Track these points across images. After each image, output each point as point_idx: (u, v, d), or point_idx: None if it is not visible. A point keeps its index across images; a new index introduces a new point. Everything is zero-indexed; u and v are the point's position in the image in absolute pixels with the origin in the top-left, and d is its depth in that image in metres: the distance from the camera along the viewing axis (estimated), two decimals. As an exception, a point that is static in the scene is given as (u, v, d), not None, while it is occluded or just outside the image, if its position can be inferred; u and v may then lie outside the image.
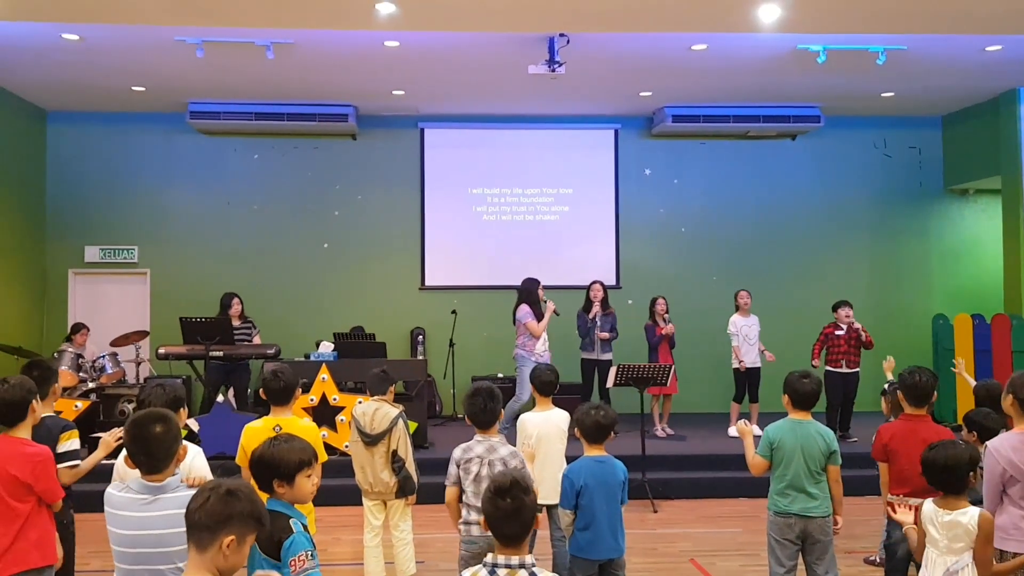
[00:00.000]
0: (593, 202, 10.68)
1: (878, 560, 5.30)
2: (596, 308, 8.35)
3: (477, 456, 3.78)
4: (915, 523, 3.28)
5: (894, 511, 3.59)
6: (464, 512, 3.79)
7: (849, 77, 8.75)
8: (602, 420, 3.80)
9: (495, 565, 2.25)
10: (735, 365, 8.49)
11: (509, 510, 2.25)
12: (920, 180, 10.87)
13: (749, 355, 8.46)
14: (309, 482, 2.71)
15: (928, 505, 3.17)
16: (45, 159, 10.19)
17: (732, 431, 8.49)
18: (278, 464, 2.66)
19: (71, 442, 3.82)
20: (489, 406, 3.84)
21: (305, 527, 2.66)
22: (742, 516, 6.69)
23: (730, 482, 7.27)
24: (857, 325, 8.06)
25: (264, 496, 2.70)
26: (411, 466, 4.69)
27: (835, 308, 8.19)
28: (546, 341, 7.82)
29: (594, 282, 8.55)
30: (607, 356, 8.37)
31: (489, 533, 3.61)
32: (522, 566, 2.23)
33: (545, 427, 4.55)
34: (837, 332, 8.10)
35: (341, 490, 6.49)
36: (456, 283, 10.46)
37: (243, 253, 10.33)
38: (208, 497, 2.08)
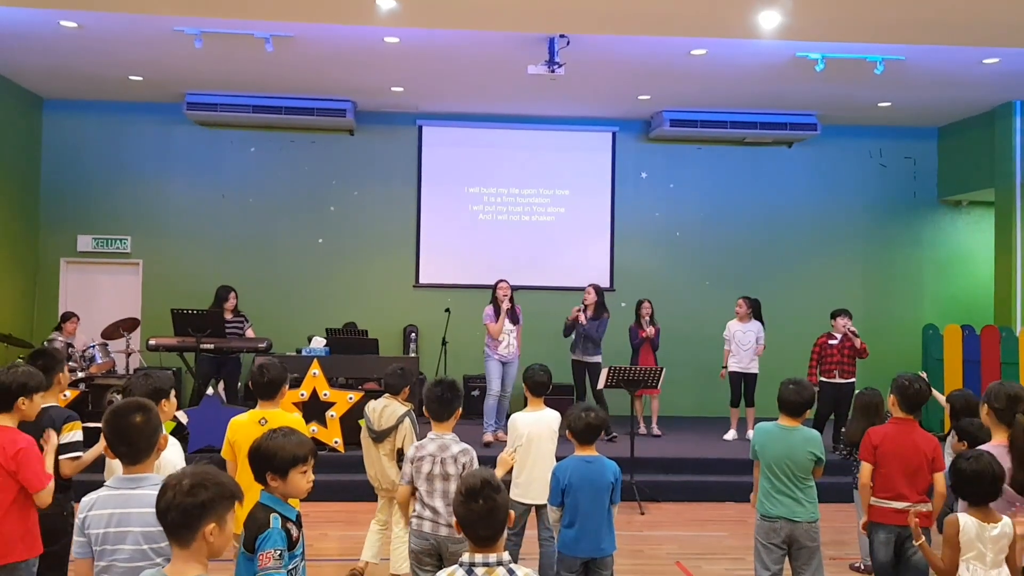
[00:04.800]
0: (589, 204, 10.69)
1: (863, 567, 5.32)
2: (579, 312, 8.31)
3: (429, 454, 3.73)
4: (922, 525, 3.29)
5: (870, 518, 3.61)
6: (418, 507, 3.76)
7: (847, 86, 8.79)
8: (593, 422, 3.83)
9: (472, 564, 2.23)
10: (716, 367, 8.59)
11: (483, 512, 2.22)
12: (914, 191, 10.92)
13: (740, 361, 8.47)
14: (304, 478, 2.69)
15: (969, 520, 3.12)
16: (40, 147, 10.14)
17: (729, 435, 8.51)
18: (272, 457, 2.65)
19: (73, 433, 3.73)
20: (447, 395, 3.79)
21: (294, 522, 2.65)
22: (729, 520, 6.70)
23: (717, 486, 7.29)
24: (852, 328, 7.92)
25: (258, 487, 2.70)
26: None
27: (833, 316, 8.07)
28: (511, 344, 7.97)
29: (589, 285, 8.59)
30: (596, 358, 8.41)
31: (442, 532, 3.63)
32: (500, 564, 2.22)
33: (536, 427, 4.55)
34: (831, 342, 7.98)
35: (330, 486, 6.49)
36: (450, 281, 10.46)
37: (237, 246, 10.30)
38: (173, 496, 2.07)
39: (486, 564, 2.22)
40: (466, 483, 2.28)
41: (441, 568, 3.68)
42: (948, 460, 4.08)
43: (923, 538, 3.39)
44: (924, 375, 5.74)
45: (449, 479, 3.68)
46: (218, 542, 2.11)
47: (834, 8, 7.01)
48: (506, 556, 2.25)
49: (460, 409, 3.87)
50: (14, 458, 3.21)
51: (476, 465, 3.74)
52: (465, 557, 2.25)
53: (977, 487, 3.12)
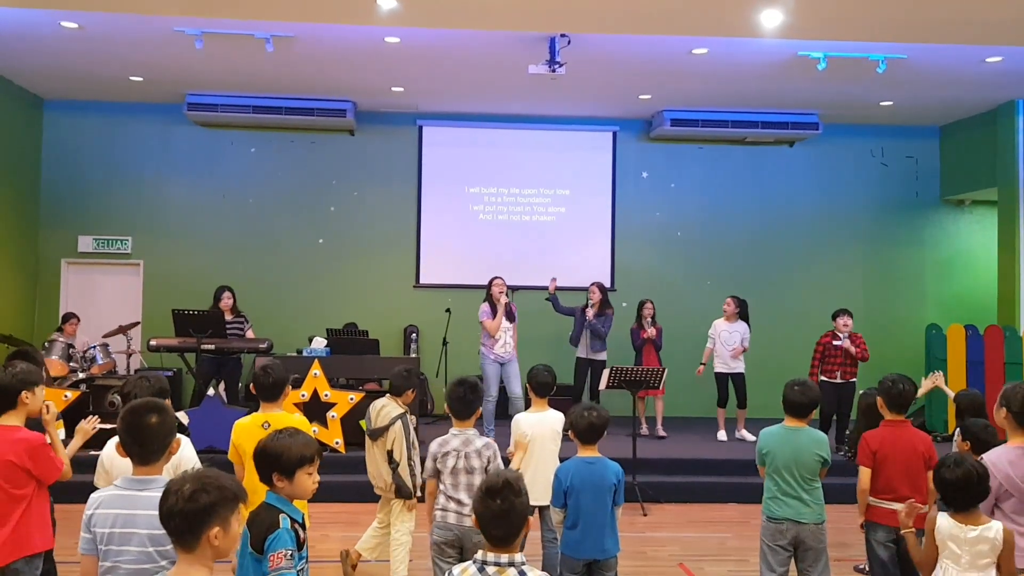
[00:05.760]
0: (590, 204, 10.67)
1: (866, 568, 5.29)
2: (589, 311, 8.40)
3: (453, 450, 3.89)
4: (914, 528, 3.27)
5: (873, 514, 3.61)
6: (442, 500, 3.89)
7: (849, 85, 8.76)
8: (596, 421, 3.83)
9: (484, 563, 2.25)
10: (710, 368, 8.58)
11: (498, 511, 2.25)
12: (916, 190, 10.89)
13: (725, 361, 8.44)
14: (310, 479, 2.68)
15: (945, 520, 3.10)
16: (41, 147, 10.13)
17: (720, 435, 8.51)
18: (278, 457, 2.64)
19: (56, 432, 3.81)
20: (469, 396, 3.96)
21: (300, 524, 2.64)
22: (732, 521, 6.68)
23: (720, 487, 7.27)
24: (845, 340, 7.80)
25: (264, 488, 2.69)
26: (404, 470, 4.68)
27: (834, 316, 8.03)
28: (507, 343, 7.91)
29: (592, 284, 8.60)
30: (602, 356, 8.41)
31: (466, 523, 3.74)
32: (511, 564, 2.23)
33: (539, 428, 4.54)
34: (835, 342, 7.90)
35: (331, 487, 6.43)
36: (451, 282, 10.44)
37: (237, 246, 10.28)
38: (176, 502, 2.06)
39: (498, 564, 2.24)
40: (489, 481, 2.31)
41: (461, 559, 3.80)
42: None
43: (911, 527, 3.36)
44: (940, 374, 5.76)
45: (473, 472, 3.84)
46: (223, 545, 2.09)
47: (836, 7, 6.99)
48: (519, 558, 2.26)
49: (480, 408, 4.06)
50: (28, 456, 3.30)
51: (499, 459, 3.93)
52: (479, 555, 2.27)
53: (963, 493, 3.08)
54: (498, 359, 7.89)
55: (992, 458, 3.44)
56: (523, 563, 2.25)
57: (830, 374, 7.91)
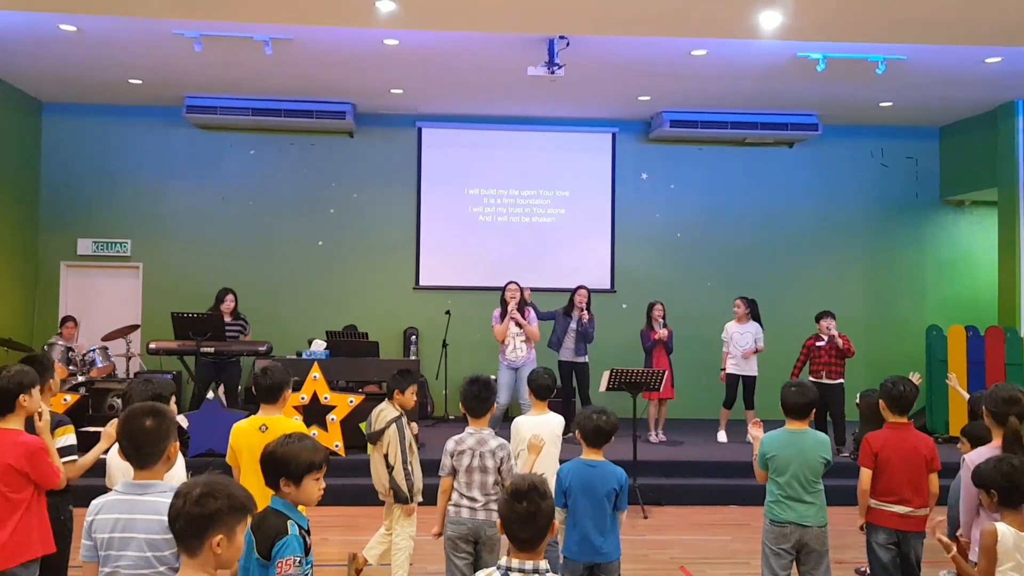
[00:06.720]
0: (589, 205, 10.67)
1: (867, 571, 5.28)
2: (583, 313, 8.34)
3: (469, 448, 3.97)
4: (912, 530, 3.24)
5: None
6: (455, 496, 3.97)
7: (848, 86, 8.76)
8: (604, 425, 3.81)
9: (508, 569, 2.24)
10: (717, 370, 8.55)
11: (524, 514, 2.24)
12: (916, 191, 10.89)
13: (738, 363, 8.43)
14: (316, 485, 2.67)
15: (1005, 529, 3.01)
16: (40, 150, 10.12)
17: (721, 436, 8.51)
18: (287, 463, 2.62)
19: (66, 437, 3.76)
20: (483, 394, 4.04)
21: (306, 530, 2.63)
22: (733, 524, 6.66)
23: (722, 489, 7.25)
24: (834, 332, 7.91)
25: (270, 493, 2.68)
26: (399, 475, 4.66)
27: (818, 319, 8.08)
28: (519, 348, 7.86)
29: (579, 287, 8.55)
30: (584, 359, 8.41)
31: (479, 517, 3.81)
32: (535, 571, 2.23)
33: (539, 431, 4.52)
34: (818, 344, 7.99)
35: (331, 490, 6.40)
36: (451, 284, 10.43)
37: (237, 249, 10.28)
38: (183, 504, 2.06)
39: (522, 570, 2.23)
40: (515, 484, 2.31)
41: (475, 554, 3.91)
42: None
43: (954, 549, 3.26)
44: (954, 376, 5.76)
45: (487, 472, 3.93)
46: (226, 554, 2.08)
47: (835, 8, 6.99)
48: (543, 564, 2.25)
49: (495, 405, 4.15)
50: (27, 460, 3.30)
51: (512, 460, 4.01)
52: (503, 561, 2.26)
53: (1015, 490, 3.03)
54: (511, 364, 7.84)
55: (973, 457, 3.48)
56: (547, 570, 2.24)
57: (816, 375, 7.94)
